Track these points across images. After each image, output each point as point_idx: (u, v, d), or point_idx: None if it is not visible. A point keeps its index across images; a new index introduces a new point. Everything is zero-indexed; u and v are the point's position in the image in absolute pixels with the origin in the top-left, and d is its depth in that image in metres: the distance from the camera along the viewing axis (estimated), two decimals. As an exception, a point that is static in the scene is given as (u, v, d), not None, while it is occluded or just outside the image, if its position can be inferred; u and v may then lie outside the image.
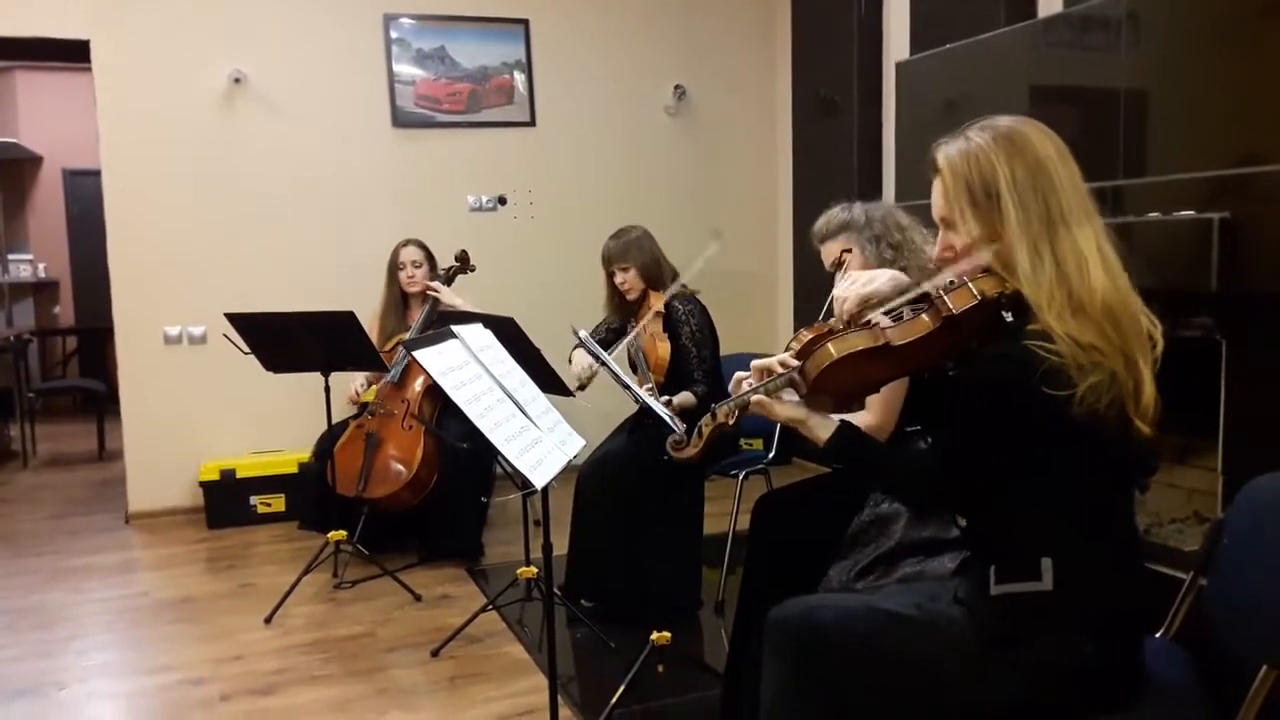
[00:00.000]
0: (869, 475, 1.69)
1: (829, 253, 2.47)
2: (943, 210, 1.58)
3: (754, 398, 1.69)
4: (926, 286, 1.58)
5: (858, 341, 1.57)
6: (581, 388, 3.35)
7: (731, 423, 1.75)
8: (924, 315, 1.54)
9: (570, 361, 3.45)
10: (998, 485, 1.51)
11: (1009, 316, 1.51)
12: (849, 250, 2.42)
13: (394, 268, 4.19)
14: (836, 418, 1.66)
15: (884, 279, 1.77)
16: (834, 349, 1.57)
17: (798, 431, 1.72)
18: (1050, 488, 1.50)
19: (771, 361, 1.75)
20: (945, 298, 1.51)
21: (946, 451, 1.57)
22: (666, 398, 3.06)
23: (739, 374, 1.77)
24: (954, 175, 1.54)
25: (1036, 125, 1.56)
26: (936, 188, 1.59)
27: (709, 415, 1.77)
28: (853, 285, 1.73)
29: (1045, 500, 1.51)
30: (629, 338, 3.42)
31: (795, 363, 1.66)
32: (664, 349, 3.37)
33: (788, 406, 1.67)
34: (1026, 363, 1.41)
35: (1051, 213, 1.49)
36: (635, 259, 3.46)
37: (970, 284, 1.50)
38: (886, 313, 1.64)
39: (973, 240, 1.53)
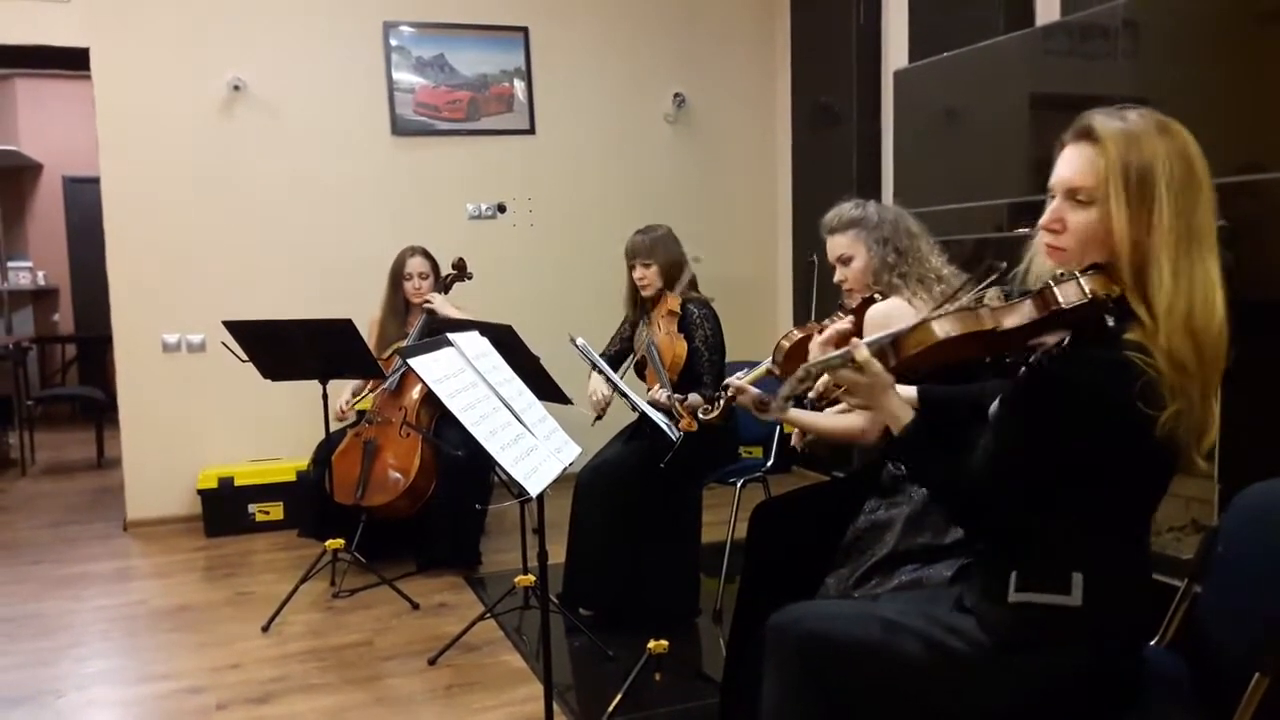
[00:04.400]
0: (934, 468, 1.57)
1: (835, 246, 2.50)
2: (1084, 180, 1.44)
3: (818, 373, 1.58)
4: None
5: (966, 325, 1.50)
6: (599, 417, 3.36)
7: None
8: (1029, 302, 1.48)
9: (590, 384, 3.45)
10: (1052, 488, 1.45)
11: (1111, 321, 1.42)
12: (853, 255, 2.46)
13: (398, 275, 4.17)
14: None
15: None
16: (938, 330, 1.49)
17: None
18: (1104, 502, 1.46)
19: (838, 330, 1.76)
20: (1055, 290, 1.43)
21: (1017, 445, 1.48)
22: (679, 395, 3.05)
23: (814, 341, 1.77)
24: (1114, 149, 1.41)
25: (1183, 128, 1.45)
26: (1079, 154, 1.45)
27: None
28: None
29: (1093, 514, 1.46)
30: (645, 338, 3.43)
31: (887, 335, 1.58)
32: (681, 347, 3.40)
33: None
34: (1128, 372, 1.35)
35: (1194, 227, 1.39)
36: (659, 256, 3.48)
37: (1080, 279, 1.43)
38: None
39: (1108, 226, 1.42)
